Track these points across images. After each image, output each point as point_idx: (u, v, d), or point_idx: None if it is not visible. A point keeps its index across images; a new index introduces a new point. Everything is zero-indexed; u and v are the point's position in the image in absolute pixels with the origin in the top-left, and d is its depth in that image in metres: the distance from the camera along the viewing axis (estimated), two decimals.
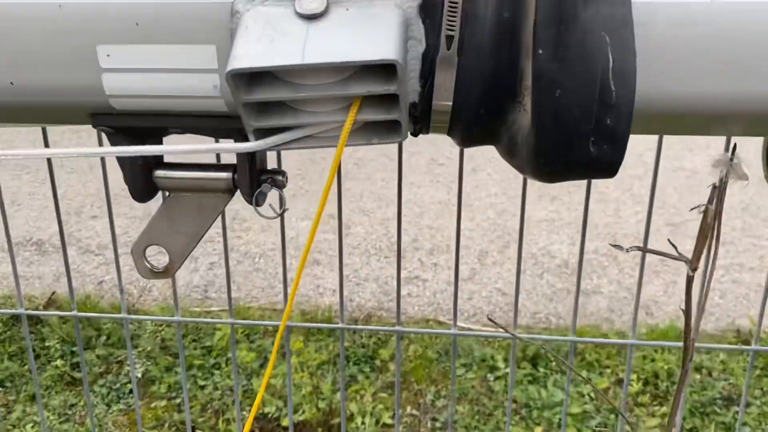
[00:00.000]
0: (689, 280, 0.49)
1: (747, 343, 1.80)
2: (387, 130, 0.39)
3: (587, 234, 2.46)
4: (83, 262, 2.29)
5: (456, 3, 0.35)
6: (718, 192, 0.48)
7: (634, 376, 1.68)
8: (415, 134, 0.43)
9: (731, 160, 0.42)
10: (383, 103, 0.38)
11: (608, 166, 0.36)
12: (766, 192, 2.70)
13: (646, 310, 2.05)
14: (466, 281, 2.21)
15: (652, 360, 1.75)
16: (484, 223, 2.59)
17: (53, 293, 2.08)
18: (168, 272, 0.48)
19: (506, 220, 2.58)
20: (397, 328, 0.65)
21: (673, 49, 0.36)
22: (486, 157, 3.11)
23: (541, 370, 1.73)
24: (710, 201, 0.47)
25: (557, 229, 2.51)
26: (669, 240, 0.49)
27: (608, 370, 1.74)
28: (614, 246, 0.53)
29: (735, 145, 0.46)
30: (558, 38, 0.33)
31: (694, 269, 0.47)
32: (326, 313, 1.94)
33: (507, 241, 2.45)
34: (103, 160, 0.80)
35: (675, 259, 0.48)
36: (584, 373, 1.70)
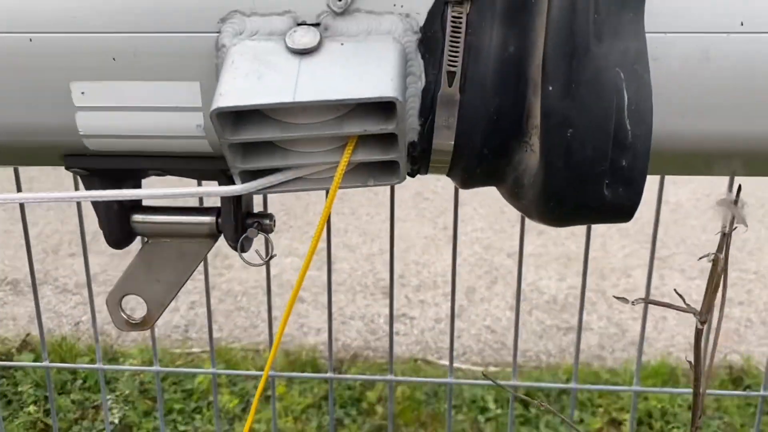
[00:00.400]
0: (698, 334, 0.47)
1: (740, 379, 1.77)
2: (383, 170, 0.37)
3: (574, 269, 2.41)
4: (60, 302, 2.22)
5: (458, 37, 0.33)
6: (727, 239, 0.46)
7: (627, 416, 1.65)
8: (411, 174, 0.40)
9: (736, 203, 0.40)
10: (380, 143, 0.35)
11: (624, 210, 0.34)
12: (750, 224, 2.71)
13: (637, 346, 2.02)
14: (454, 319, 2.17)
15: (645, 398, 1.72)
16: (470, 258, 2.56)
17: (27, 335, 2.01)
18: (146, 323, 0.45)
19: (493, 255, 2.56)
20: (389, 377, 0.62)
21: (689, 85, 0.34)
22: (471, 190, 3.09)
23: (533, 410, 1.68)
24: (720, 249, 0.45)
25: (545, 264, 2.49)
26: (675, 290, 0.46)
27: (600, 409, 1.70)
28: (618, 298, 0.50)
29: (740, 186, 0.44)
30: (569, 74, 0.31)
31: (704, 322, 0.45)
32: (311, 353, 1.89)
33: (494, 276, 2.42)
34: None
35: (683, 311, 0.46)
36: (577, 413, 1.66)
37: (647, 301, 0.44)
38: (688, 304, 0.42)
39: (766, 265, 2.52)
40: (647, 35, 0.33)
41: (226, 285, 2.32)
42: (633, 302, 0.41)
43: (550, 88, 0.31)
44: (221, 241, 0.46)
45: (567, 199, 0.34)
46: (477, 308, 2.23)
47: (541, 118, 0.32)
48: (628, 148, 0.32)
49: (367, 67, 0.33)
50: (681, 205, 2.89)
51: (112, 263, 2.39)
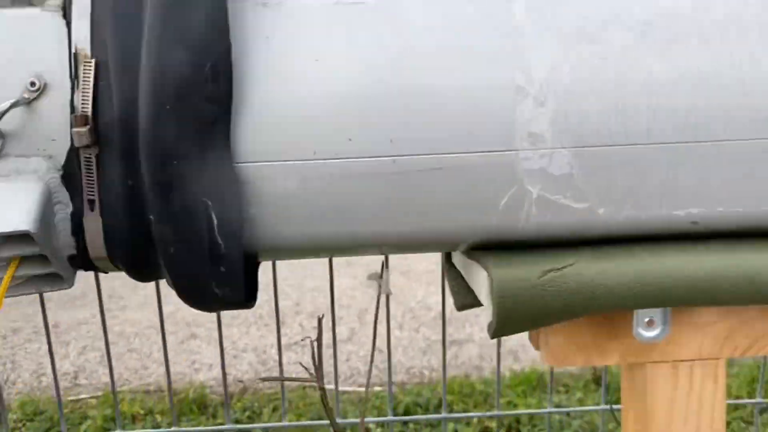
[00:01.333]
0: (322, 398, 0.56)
1: (601, 378, 1.92)
2: (54, 279, 0.44)
3: None
4: None
5: (91, 173, 0.41)
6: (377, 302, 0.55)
7: (495, 423, 1.76)
8: (105, 272, 0.48)
9: (381, 276, 0.49)
10: (41, 259, 0.42)
11: (238, 303, 0.42)
12: None
13: (514, 356, 2.15)
14: (345, 342, 2.25)
15: (515, 405, 1.84)
16: (366, 280, 2.64)
17: None
18: None
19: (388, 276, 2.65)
20: (227, 426, 0.68)
21: (284, 200, 0.42)
22: None
23: (411, 426, 1.78)
24: (318, 336, 0.54)
25: (436, 280, 2.61)
26: (301, 363, 0.56)
27: (474, 420, 1.81)
28: (263, 380, 0.60)
29: (383, 262, 0.54)
30: (164, 205, 0.39)
31: (322, 388, 0.55)
32: (199, 390, 1.93)
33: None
34: None
35: (306, 382, 0.56)
36: (451, 425, 1.76)
37: (266, 378, 0.54)
38: (311, 374, 0.51)
39: None
40: (246, 165, 0.41)
41: (119, 327, 2.32)
42: (262, 380, 0.50)
43: (152, 217, 0.39)
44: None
45: (194, 297, 0.42)
46: (368, 329, 2.32)
47: (154, 238, 0.40)
48: (223, 258, 0.40)
49: (11, 203, 0.40)
50: None
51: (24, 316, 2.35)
